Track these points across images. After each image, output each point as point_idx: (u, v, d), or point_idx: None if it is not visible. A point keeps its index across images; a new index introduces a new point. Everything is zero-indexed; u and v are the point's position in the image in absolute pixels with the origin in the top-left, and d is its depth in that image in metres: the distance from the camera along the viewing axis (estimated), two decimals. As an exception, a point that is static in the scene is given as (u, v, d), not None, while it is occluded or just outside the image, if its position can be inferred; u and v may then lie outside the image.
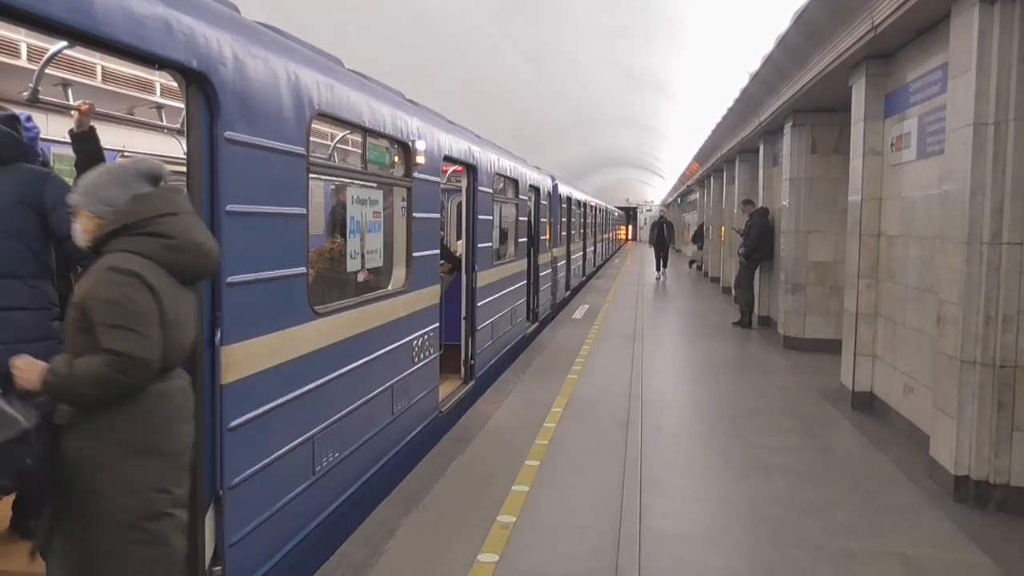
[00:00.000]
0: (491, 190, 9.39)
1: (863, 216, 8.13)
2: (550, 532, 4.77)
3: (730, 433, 7.15)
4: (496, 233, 10.12)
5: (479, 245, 8.73)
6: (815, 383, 9.33)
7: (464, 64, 16.46)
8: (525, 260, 12.21)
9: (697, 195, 31.93)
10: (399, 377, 5.96)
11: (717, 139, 18.76)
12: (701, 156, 23.19)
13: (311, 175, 4.44)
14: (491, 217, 9.52)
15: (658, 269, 25.25)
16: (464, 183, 8.67)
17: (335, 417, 4.75)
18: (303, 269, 4.26)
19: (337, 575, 4.17)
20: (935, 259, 6.30)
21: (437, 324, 6.98)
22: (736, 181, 18.31)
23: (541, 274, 14.11)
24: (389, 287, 6.10)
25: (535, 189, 13.26)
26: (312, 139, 4.57)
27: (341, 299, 5.12)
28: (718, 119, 16.29)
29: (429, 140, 6.57)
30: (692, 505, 5.38)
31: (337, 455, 4.80)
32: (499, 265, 10.04)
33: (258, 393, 3.84)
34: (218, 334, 3.49)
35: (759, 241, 13.81)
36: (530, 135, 23.87)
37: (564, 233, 18.27)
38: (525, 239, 12.19)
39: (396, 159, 6.22)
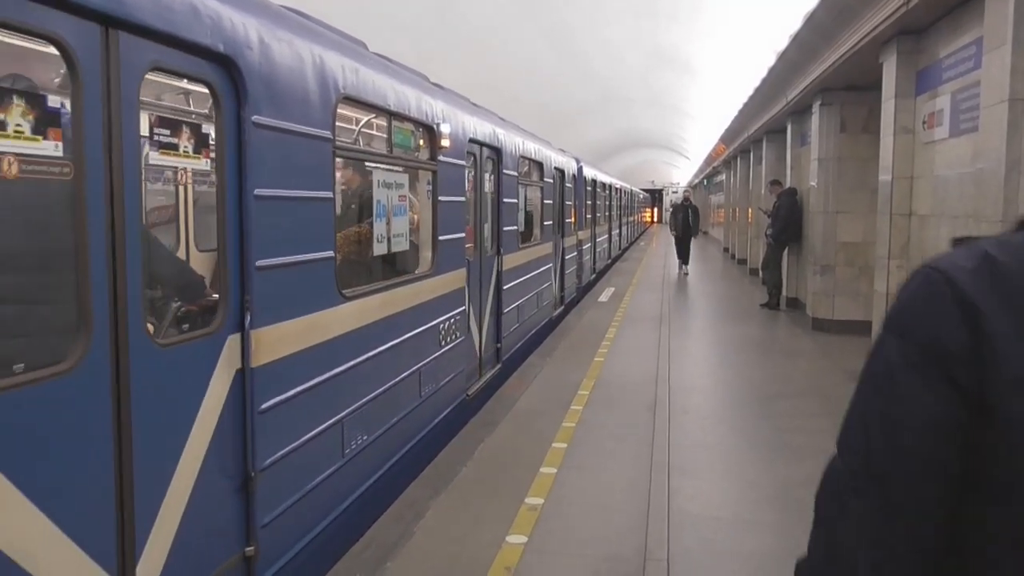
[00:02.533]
0: (516, 173, 9.33)
1: (894, 195, 8.01)
2: (578, 514, 4.78)
3: (758, 415, 7.11)
4: (521, 216, 10.07)
5: (505, 228, 8.69)
6: (844, 365, 9.24)
7: (488, 47, 16.41)
8: (551, 243, 12.14)
9: (723, 176, 31.64)
10: (426, 361, 5.97)
11: (744, 119, 18.55)
12: (727, 137, 22.96)
13: (337, 159, 4.46)
14: (516, 200, 9.42)
15: (684, 263, 21.37)
16: (489, 166, 8.61)
17: (364, 400, 4.77)
18: (331, 253, 4.27)
19: (367, 555, 4.22)
20: (968, 238, 6.20)
21: (463, 308, 6.97)
22: (763, 162, 18.10)
23: (567, 257, 14.02)
24: (415, 271, 6.10)
25: (560, 171, 13.16)
26: (338, 124, 4.60)
27: (368, 283, 5.14)
28: (745, 99, 16.09)
29: (454, 123, 6.55)
30: (721, 487, 5.37)
31: (366, 438, 4.83)
32: (525, 248, 9.99)
33: (288, 376, 3.86)
34: (248, 317, 3.51)
35: (787, 222, 13.66)
36: (554, 117, 23.77)
37: (589, 216, 18.11)
38: (551, 222, 12.11)
39: (421, 142, 6.20)
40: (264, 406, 3.65)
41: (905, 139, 7.95)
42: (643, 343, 10.62)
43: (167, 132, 3.37)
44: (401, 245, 5.76)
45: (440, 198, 6.29)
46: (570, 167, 14.44)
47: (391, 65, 5.59)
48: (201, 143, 3.54)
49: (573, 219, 14.99)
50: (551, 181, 12.10)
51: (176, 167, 4.65)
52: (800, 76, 11.66)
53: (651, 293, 16.33)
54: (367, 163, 5.98)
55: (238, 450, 3.52)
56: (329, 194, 4.28)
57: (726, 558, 4.27)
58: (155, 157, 3.42)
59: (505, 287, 8.76)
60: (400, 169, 5.82)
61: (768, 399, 7.69)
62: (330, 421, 4.34)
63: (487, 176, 8.37)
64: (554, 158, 12.55)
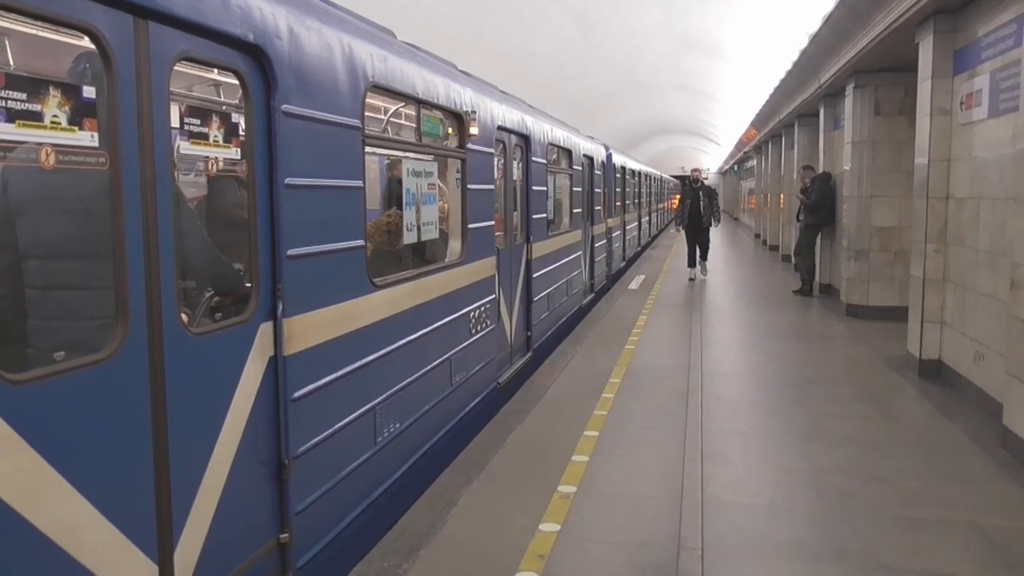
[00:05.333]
0: (545, 161, 9.29)
1: (930, 178, 7.85)
2: (611, 501, 4.76)
3: (792, 402, 7.03)
4: (550, 204, 9.99)
5: (533, 216, 8.67)
6: (880, 351, 9.11)
7: (514, 32, 16.32)
8: (580, 231, 12.03)
9: (754, 162, 31.28)
10: (457, 349, 5.99)
11: (775, 103, 18.30)
12: (758, 121, 22.67)
13: (367, 147, 4.45)
14: (545, 188, 9.41)
15: (692, 264, 16.10)
16: (518, 154, 8.54)
17: (395, 388, 4.79)
18: (361, 242, 4.30)
19: (400, 542, 4.24)
20: (1008, 221, 6.06)
21: (493, 296, 7.00)
22: (795, 146, 17.86)
23: (596, 245, 13.93)
24: (446, 259, 6.10)
25: (589, 159, 13.05)
26: (367, 113, 4.61)
27: (399, 271, 5.15)
28: (776, 83, 15.86)
29: (482, 111, 6.55)
30: (755, 474, 5.32)
31: (399, 426, 4.86)
32: (554, 236, 9.93)
33: (320, 365, 3.89)
34: (280, 306, 3.53)
35: (820, 207, 13.49)
36: (582, 103, 23.64)
37: (619, 203, 17.95)
38: (580, 210, 12.02)
39: (450, 130, 6.18)
40: (297, 394, 3.68)
41: (942, 120, 7.78)
42: (674, 330, 10.55)
43: (197, 122, 3.38)
44: (431, 234, 5.75)
45: (469, 186, 6.28)
46: (599, 154, 14.30)
47: (419, 53, 5.58)
48: (231, 132, 3.54)
49: (602, 206, 14.83)
50: (580, 168, 11.98)
51: (207, 156, 4.67)
52: (833, 58, 11.46)
53: (681, 279, 16.20)
54: (397, 151, 6.02)
55: (272, 438, 3.55)
56: (359, 183, 4.29)
57: (761, 546, 4.23)
58: (186, 147, 3.43)
59: (534, 275, 8.73)
60: (429, 157, 5.81)
61: (802, 385, 7.60)
62: (362, 409, 4.37)
63: (515, 164, 8.31)
64: (582, 145, 12.42)
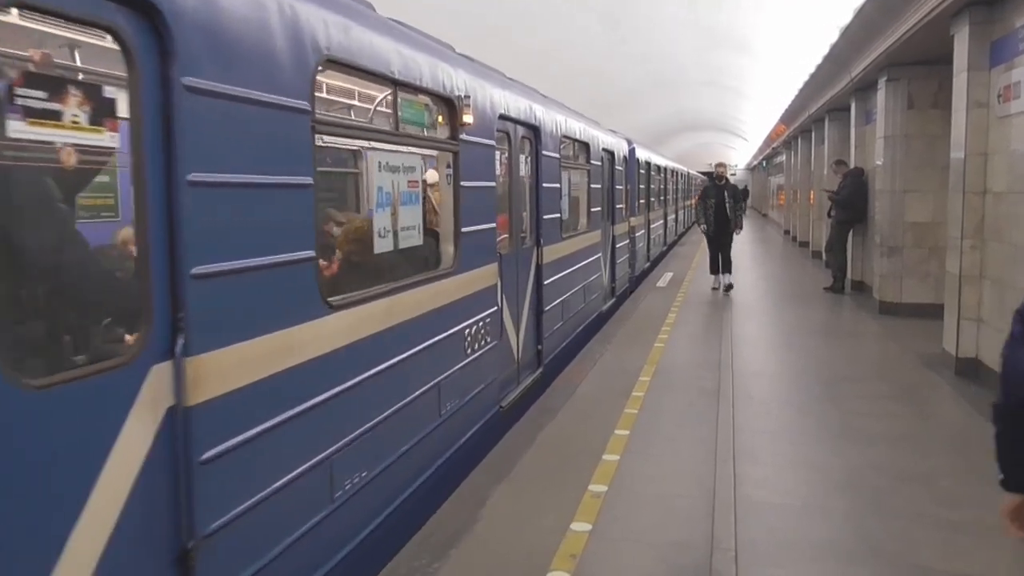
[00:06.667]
0: (557, 155, 8.42)
1: (967, 173, 7.71)
2: (643, 501, 4.73)
3: (825, 400, 6.94)
4: (565, 202, 9.15)
5: (544, 216, 7.76)
6: (914, 349, 8.97)
7: (538, 29, 16.28)
8: (599, 231, 11.13)
9: (783, 157, 30.98)
10: (447, 374, 5.18)
11: (804, 98, 18.10)
12: (787, 116, 22.44)
13: (319, 135, 3.63)
14: (558, 185, 8.51)
15: (715, 271, 14.10)
16: (526, 147, 7.59)
17: (361, 430, 3.95)
18: (310, 253, 3.44)
19: (432, 541, 4.24)
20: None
21: (495, 308, 6.21)
22: (826, 141, 17.65)
23: (617, 246, 13.03)
24: (434, 269, 5.26)
25: (609, 153, 12.13)
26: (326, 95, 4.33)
27: (367, 287, 4.26)
28: (805, 77, 15.68)
29: (480, 97, 5.75)
30: (788, 474, 5.26)
31: (365, 475, 4.01)
32: (569, 238, 9.05)
33: (245, 412, 3.03)
34: (180, 342, 2.70)
35: (850, 203, 13.31)
36: (608, 101, 23.52)
37: (643, 201, 16.98)
38: (599, 208, 11.15)
39: (440, 119, 5.35)
40: (209, 454, 2.82)
41: (979, 114, 7.63)
42: (704, 328, 10.48)
43: (43, 95, 2.41)
44: (412, 239, 4.91)
45: (463, 183, 5.44)
46: (620, 148, 13.44)
47: (398, 27, 4.73)
48: (103, 111, 2.61)
49: (624, 204, 13.95)
50: (599, 164, 11.09)
51: (64, 142, 2.85)
52: (864, 52, 11.30)
53: (710, 277, 16.05)
54: (366, 142, 5.21)
55: (171, 514, 2.68)
56: (307, 179, 3.44)
57: (795, 547, 4.18)
58: (21, 128, 2.39)
59: (546, 282, 7.86)
60: (411, 150, 5.05)
61: (835, 383, 7.50)
62: (311, 462, 3.48)
63: (523, 158, 7.47)
64: (601, 138, 11.51)
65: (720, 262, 13.92)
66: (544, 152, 7.80)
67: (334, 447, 3.68)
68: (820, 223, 17.87)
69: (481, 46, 10.20)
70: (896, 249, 11.28)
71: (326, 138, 5.26)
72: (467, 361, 5.56)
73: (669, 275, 16.66)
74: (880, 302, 11.58)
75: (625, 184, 14.05)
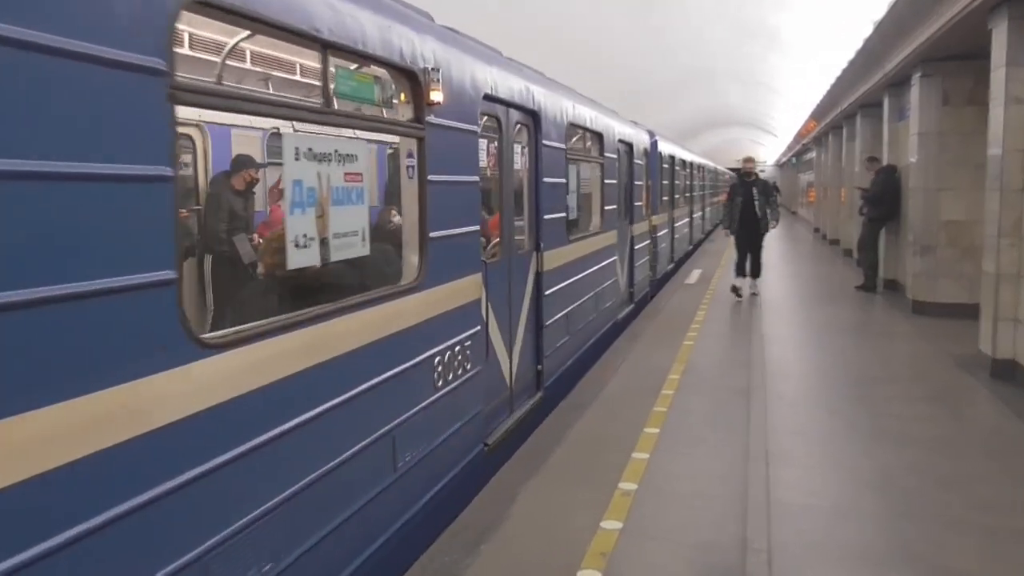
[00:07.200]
0: (563, 145, 7.39)
1: (1004, 170, 7.58)
2: (673, 500, 4.71)
3: (857, 401, 6.86)
4: (572, 199, 8.16)
5: (546, 216, 6.74)
6: (948, 350, 8.84)
7: (563, 23, 16.21)
8: (615, 232, 10.06)
9: (814, 154, 30.64)
10: (405, 417, 4.16)
11: (836, 94, 17.88)
12: (818, 112, 22.19)
13: (182, 105, 2.65)
14: (564, 180, 7.45)
15: (741, 273, 12.92)
16: (524, 136, 6.64)
17: (253, 515, 2.93)
18: (168, 274, 2.51)
19: (462, 537, 4.26)
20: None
21: (479, 327, 5.21)
22: (857, 138, 17.44)
23: (637, 247, 11.88)
24: (389, 284, 4.30)
25: (627, 145, 11.05)
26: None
27: (275, 313, 3.30)
28: (837, 72, 15.49)
29: (457, 72, 4.82)
30: (820, 475, 5.21)
31: (270, 567, 3.04)
32: (577, 240, 8.04)
33: (45, 507, 2.13)
34: None
35: (884, 200, 13.14)
36: (636, 95, 23.37)
37: (666, 198, 15.88)
38: (614, 206, 10.01)
39: (403, 97, 4.33)
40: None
41: (1018, 109, 7.50)
42: (733, 326, 10.41)
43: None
44: (352, 249, 3.81)
45: (431, 178, 4.46)
46: (640, 141, 12.32)
47: None
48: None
49: (644, 202, 12.76)
50: (614, 156, 9.94)
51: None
52: (898, 47, 11.14)
53: (735, 280, 15.96)
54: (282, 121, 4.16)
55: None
56: (161, 169, 2.48)
57: (828, 550, 4.14)
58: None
59: (548, 292, 6.83)
60: (349, 134, 4.29)
61: (867, 384, 7.42)
62: (172, 566, 2.54)
63: (519, 149, 6.56)
64: (618, 128, 10.29)
65: (748, 265, 12.86)
66: (545, 142, 6.78)
67: (209, 543, 2.69)
68: (851, 221, 17.66)
69: (507, 39, 10.11)
70: (930, 248, 11.12)
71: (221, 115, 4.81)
72: (437, 396, 4.56)
73: (698, 272, 16.57)
74: (913, 301, 11.42)
75: (646, 179, 12.99)
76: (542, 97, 6.71)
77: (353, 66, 4.01)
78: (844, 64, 14.45)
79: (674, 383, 7.36)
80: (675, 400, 6.80)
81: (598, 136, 9.21)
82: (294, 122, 3.97)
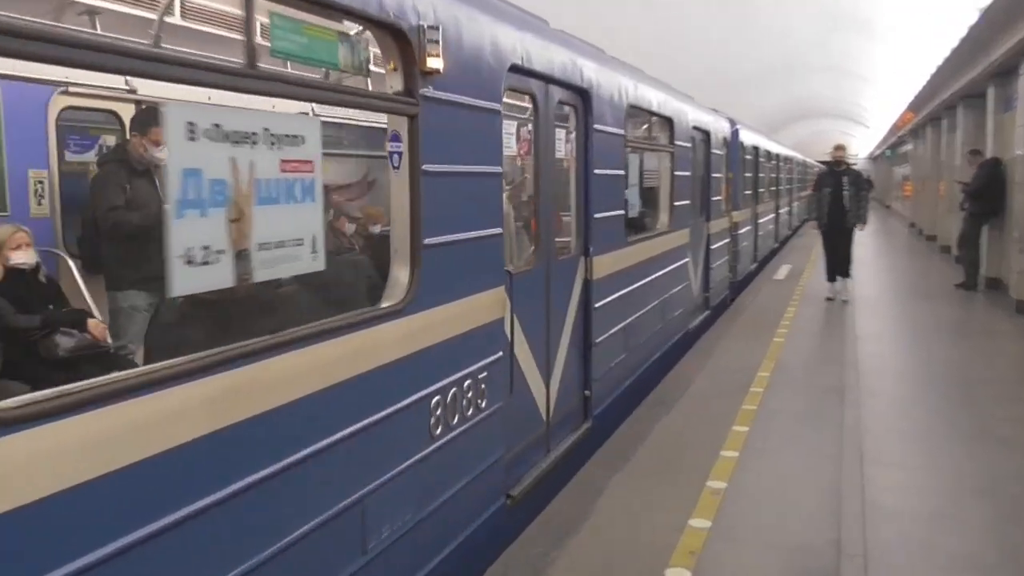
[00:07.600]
0: (621, 131, 6.28)
1: (1123, 162, 7.14)
2: (764, 501, 4.62)
3: (958, 402, 6.59)
4: (634, 194, 7.31)
5: (596, 215, 5.68)
6: (1057, 351, 8.40)
7: (652, 11, 16.01)
8: (688, 230, 8.89)
9: (910, 146, 29.49)
10: (385, 478, 3.19)
11: (935, 84, 17.15)
12: (916, 103, 21.33)
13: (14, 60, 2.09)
14: (621, 171, 6.40)
15: (832, 278, 11.95)
16: (570, 119, 5.63)
17: None
18: None
19: (549, 530, 4.26)
20: None
21: (500, 353, 4.18)
22: (958, 129, 16.68)
23: (713, 246, 10.68)
24: (361, 308, 3.28)
25: (704, 133, 9.95)
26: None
27: (165, 356, 2.47)
28: (938, 61, 14.85)
29: (468, 32, 3.83)
30: (919, 478, 5.03)
31: None
32: (639, 242, 6.96)
33: None
34: None
35: (987, 195, 12.54)
36: (722, 86, 22.89)
37: (748, 192, 14.56)
38: (687, 201, 8.86)
39: (388, 63, 3.35)
40: None
41: None
42: (824, 323, 10.13)
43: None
44: (292, 264, 2.77)
45: (429, 167, 3.44)
46: (719, 129, 11.11)
47: None
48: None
49: (724, 196, 11.67)
50: (687, 145, 8.79)
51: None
52: (1007, 33, 10.61)
53: (826, 285, 15.48)
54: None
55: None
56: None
57: (929, 556, 3.99)
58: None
59: (598, 304, 5.76)
60: (297, 109, 3.66)
61: (968, 385, 7.11)
62: None
63: (562, 134, 5.62)
64: (691, 114, 9.08)
65: (840, 262, 11.68)
66: (598, 126, 5.70)
67: None
68: (950, 216, 16.91)
69: (593, 27, 9.93)
70: (1037, 244, 10.58)
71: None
72: (435, 447, 3.56)
73: (787, 267, 16.16)
74: (1017, 301, 10.87)
75: (725, 171, 11.80)
76: (593, 73, 5.63)
77: (304, 15, 2.84)
78: (947, 52, 13.85)
79: (764, 381, 7.20)
80: (764, 398, 6.65)
81: (667, 122, 8.04)
82: (187, 85, 2.68)
